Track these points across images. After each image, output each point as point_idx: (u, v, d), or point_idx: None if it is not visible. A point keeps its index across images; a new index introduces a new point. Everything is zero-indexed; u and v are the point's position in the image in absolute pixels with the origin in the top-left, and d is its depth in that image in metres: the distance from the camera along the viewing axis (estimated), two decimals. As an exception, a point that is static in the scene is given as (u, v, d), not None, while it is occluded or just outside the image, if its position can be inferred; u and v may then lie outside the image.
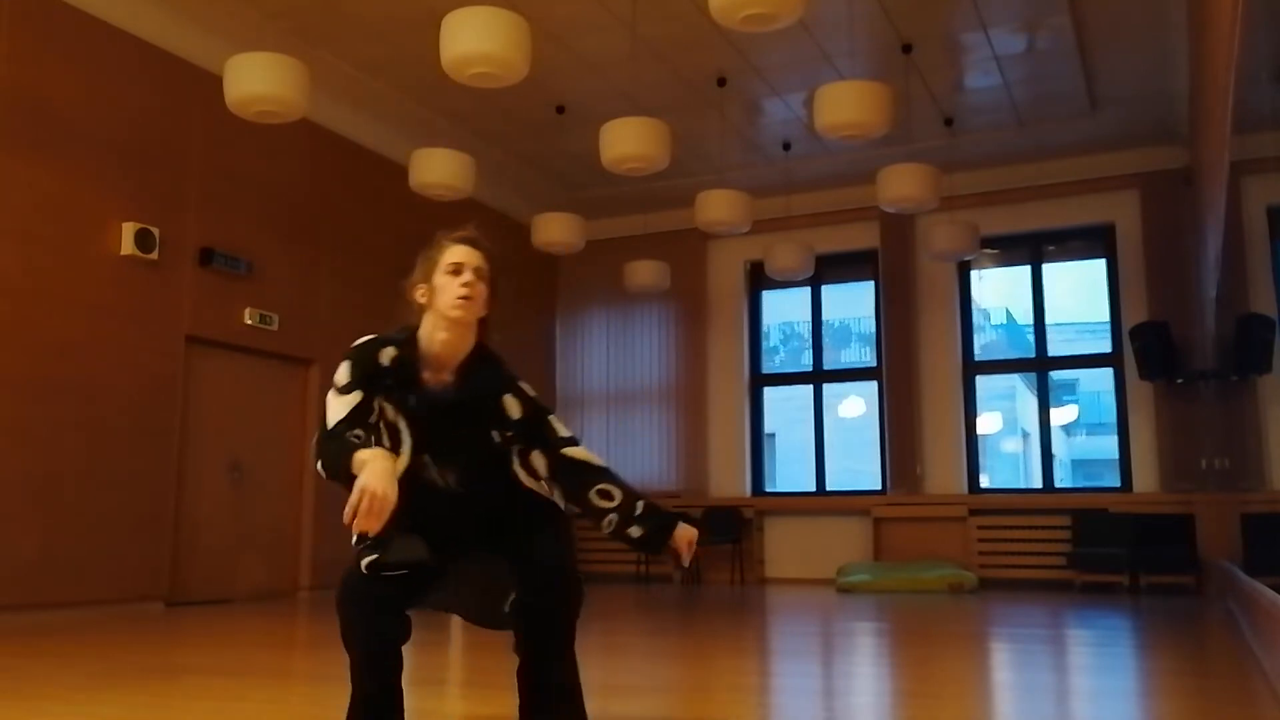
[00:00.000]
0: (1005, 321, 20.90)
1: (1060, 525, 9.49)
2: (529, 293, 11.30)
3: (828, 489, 10.93)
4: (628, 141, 7.02)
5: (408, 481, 2.22)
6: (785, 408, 13.58)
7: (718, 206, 8.55)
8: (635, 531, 2.44)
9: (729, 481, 11.00)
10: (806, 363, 12.60)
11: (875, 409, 10.91)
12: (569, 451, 2.43)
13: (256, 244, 7.93)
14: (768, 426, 11.84)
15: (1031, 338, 10.99)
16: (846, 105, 6.62)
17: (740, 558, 10.54)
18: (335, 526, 9.17)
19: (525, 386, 2.44)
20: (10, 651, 4.78)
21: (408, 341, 2.37)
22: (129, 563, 6.78)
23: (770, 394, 11.61)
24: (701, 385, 11.25)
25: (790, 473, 14.54)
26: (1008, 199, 10.14)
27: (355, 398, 2.27)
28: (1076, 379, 19.52)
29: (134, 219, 6.98)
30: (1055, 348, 11.37)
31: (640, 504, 2.45)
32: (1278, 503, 8.40)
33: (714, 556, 10.68)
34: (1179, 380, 9.18)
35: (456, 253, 2.37)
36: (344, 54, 8.09)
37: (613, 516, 2.42)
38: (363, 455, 2.14)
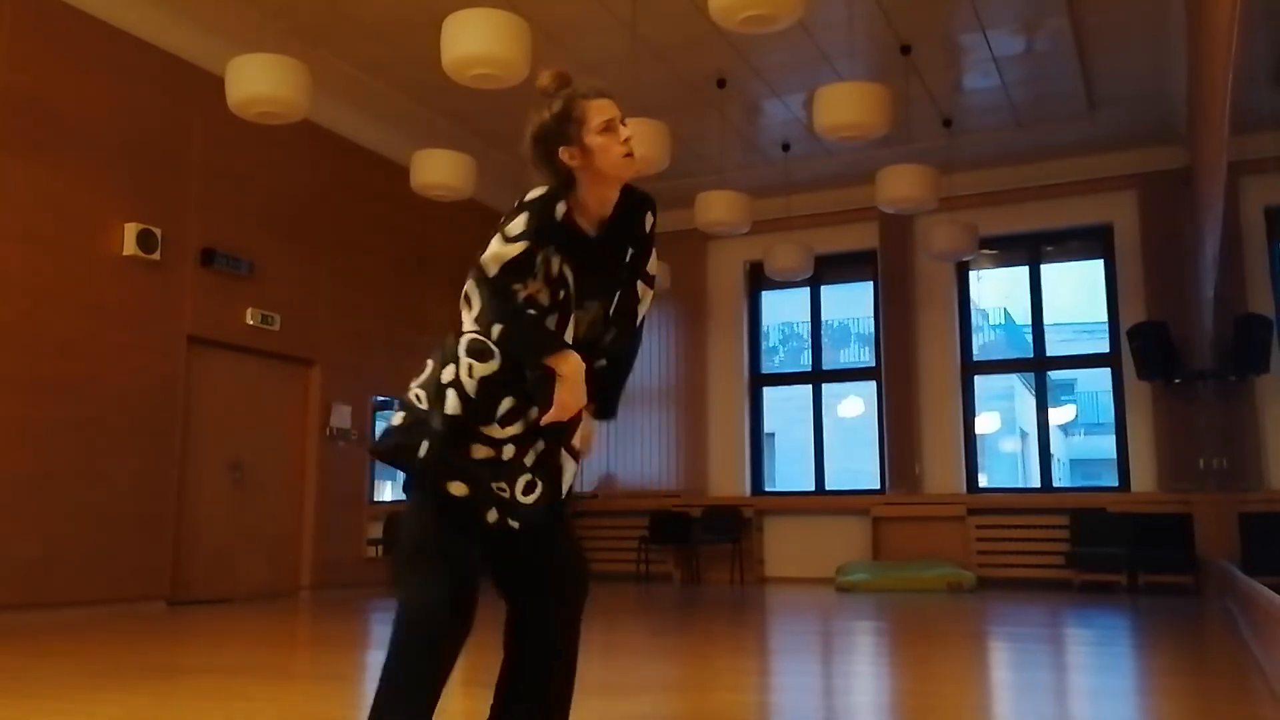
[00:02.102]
0: (1004, 321, 20.93)
1: (1059, 525, 9.50)
2: (529, 293, 11.29)
3: (827, 489, 10.95)
4: (628, 142, 7.02)
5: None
6: (785, 408, 13.60)
7: (718, 207, 8.57)
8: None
9: (728, 481, 11.02)
10: (806, 363, 12.62)
11: (874, 409, 10.93)
12: (642, 288, 2.30)
13: (258, 244, 7.95)
14: (767, 426, 11.86)
15: (1030, 338, 11.01)
16: (846, 106, 6.64)
17: (740, 557, 10.55)
18: (336, 526, 9.19)
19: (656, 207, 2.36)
20: (11, 651, 4.80)
21: (571, 198, 2.20)
22: (130, 562, 6.79)
23: (770, 394, 11.62)
24: (701, 385, 11.26)
25: (790, 472, 14.55)
26: (1006, 199, 10.16)
27: (519, 248, 2.10)
28: (1075, 379, 19.55)
29: (136, 219, 7.00)
30: (1054, 348, 11.38)
31: (605, 361, 2.27)
32: (1276, 502, 8.42)
33: (714, 556, 10.69)
34: (1177, 380, 9.20)
35: (603, 108, 2.20)
36: (345, 55, 8.10)
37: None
38: (565, 362, 2.07)
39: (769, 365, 13.37)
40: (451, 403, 2.08)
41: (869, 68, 8.11)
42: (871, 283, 10.97)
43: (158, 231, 7.11)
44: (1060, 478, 18.55)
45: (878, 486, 10.55)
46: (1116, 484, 9.82)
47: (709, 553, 10.70)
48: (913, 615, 6.99)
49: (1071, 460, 21.20)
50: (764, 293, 11.58)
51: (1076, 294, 17.06)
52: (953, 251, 9.09)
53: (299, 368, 8.44)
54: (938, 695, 3.73)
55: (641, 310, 2.29)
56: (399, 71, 8.29)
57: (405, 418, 2.12)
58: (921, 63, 8.16)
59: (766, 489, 11.39)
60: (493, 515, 2.09)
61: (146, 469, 6.97)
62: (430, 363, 2.16)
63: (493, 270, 2.10)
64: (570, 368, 2.07)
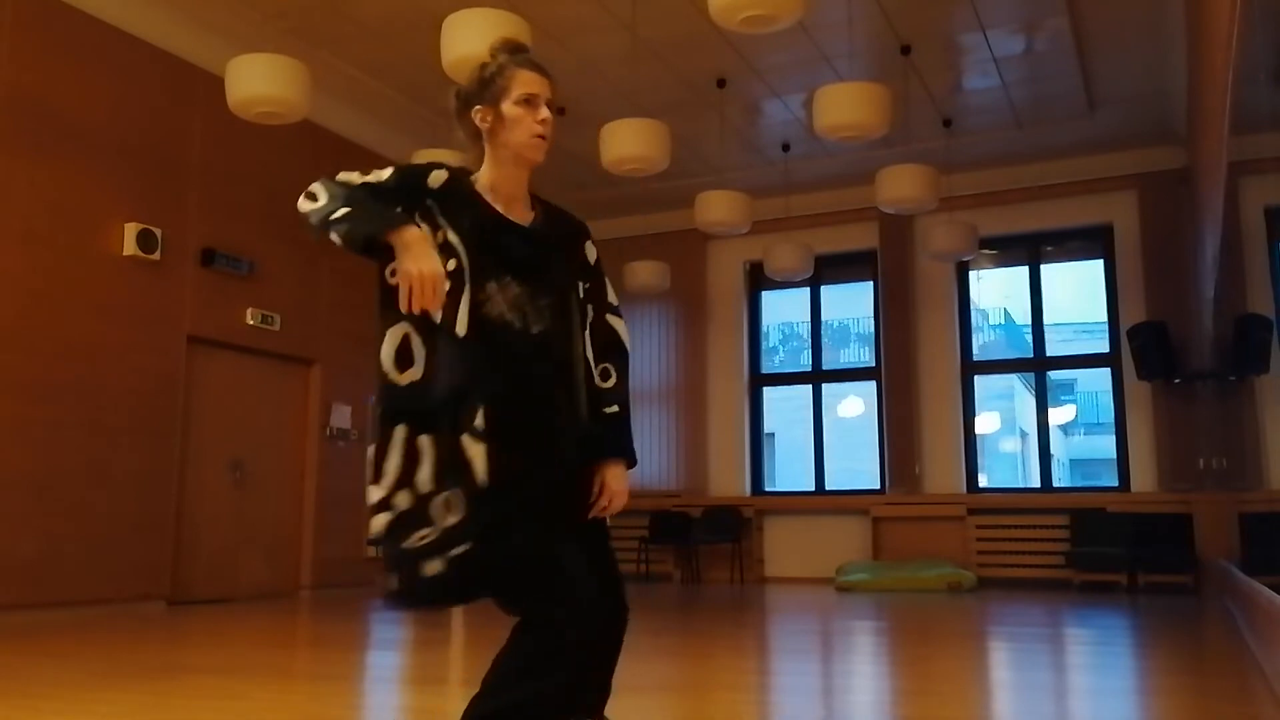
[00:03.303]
0: (1004, 321, 20.93)
1: (1058, 525, 9.51)
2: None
3: (827, 488, 10.95)
4: (628, 142, 7.04)
5: (474, 324, 1.96)
6: (784, 408, 13.61)
7: (717, 207, 8.58)
8: (594, 426, 2.09)
9: (728, 481, 11.02)
10: (806, 363, 12.63)
11: (874, 409, 10.93)
12: (613, 319, 2.19)
13: (258, 244, 7.95)
14: (767, 426, 11.86)
15: (1030, 338, 11.01)
16: (846, 106, 6.64)
17: (740, 557, 10.56)
18: (336, 526, 9.21)
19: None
20: (11, 650, 4.80)
21: (461, 169, 2.10)
22: (131, 562, 6.79)
23: (770, 394, 11.63)
24: (701, 385, 11.27)
25: (789, 472, 14.56)
26: (1006, 200, 10.16)
27: (378, 180, 1.98)
28: (1075, 379, 19.56)
29: (136, 219, 7.00)
30: (1053, 348, 11.39)
31: (618, 407, 2.14)
32: (1275, 502, 8.42)
33: (714, 556, 10.70)
34: (1177, 380, 9.20)
35: (531, 80, 2.06)
36: (345, 55, 8.11)
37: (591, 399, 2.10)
38: (409, 232, 1.86)
39: (769, 365, 13.37)
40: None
41: (869, 68, 8.12)
42: (871, 283, 10.98)
43: (158, 231, 7.12)
44: (1060, 478, 18.55)
45: (878, 486, 10.55)
46: (1116, 484, 9.83)
47: (709, 553, 10.70)
48: (913, 615, 7.00)
49: (1071, 460, 21.20)
50: (764, 293, 11.58)
51: (1076, 294, 17.06)
52: (953, 251, 9.10)
53: (299, 368, 8.44)
54: (938, 695, 3.73)
55: (626, 341, 2.21)
56: (399, 71, 8.30)
57: None
58: (921, 63, 8.16)
59: (766, 489, 11.39)
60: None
61: (146, 469, 6.97)
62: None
63: (348, 180, 1.97)
64: (410, 235, 1.86)
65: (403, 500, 1.91)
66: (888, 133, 7.00)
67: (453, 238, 2.00)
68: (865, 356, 17.34)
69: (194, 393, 7.47)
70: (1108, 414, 10.99)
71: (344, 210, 1.90)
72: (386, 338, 1.96)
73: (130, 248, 6.92)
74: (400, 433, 1.93)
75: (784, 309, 14.89)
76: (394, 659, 5.14)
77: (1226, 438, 8.96)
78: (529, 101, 2.05)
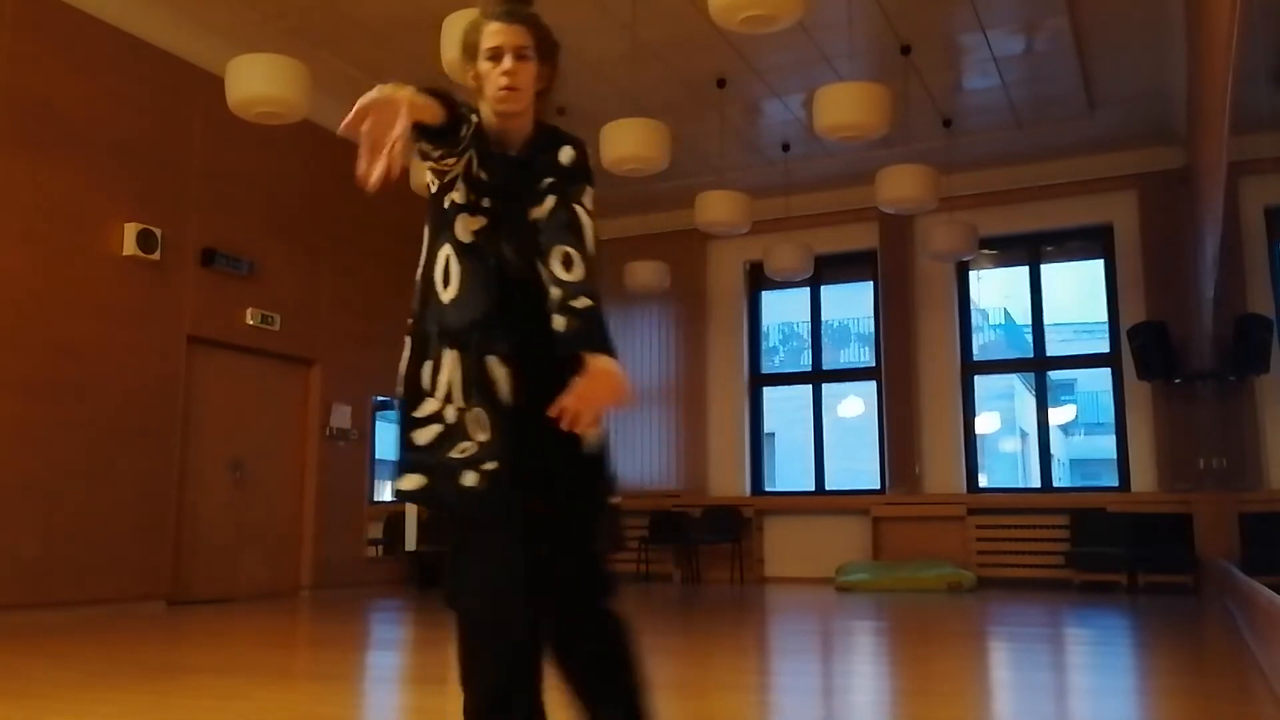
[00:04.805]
0: (1004, 321, 20.94)
1: (1058, 525, 9.51)
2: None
3: (827, 488, 10.95)
4: (628, 142, 7.04)
5: (477, 261, 2.03)
6: (785, 408, 13.61)
7: (717, 207, 8.58)
8: (559, 322, 1.92)
9: (728, 481, 11.02)
10: (806, 363, 12.62)
11: (874, 409, 10.93)
12: (578, 208, 2.06)
13: (258, 244, 7.95)
14: (767, 426, 11.86)
15: (1030, 338, 11.01)
16: (845, 106, 6.64)
17: (740, 557, 10.56)
18: (336, 526, 9.22)
19: (589, 153, 2.17)
20: (11, 650, 4.80)
21: (477, 112, 2.09)
22: (131, 562, 6.79)
23: (770, 394, 11.63)
24: (701, 385, 11.26)
25: (789, 472, 14.56)
26: (1006, 199, 10.16)
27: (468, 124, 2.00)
28: (1075, 379, 19.56)
29: (136, 219, 7.00)
30: (1053, 348, 11.39)
31: (591, 301, 1.94)
32: (1275, 502, 8.43)
33: (714, 556, 10.69)
34: (1177, 380, 9.20)
35: (493, 34, 2.07)
36: (344, 55, 8.10)
37: (555, 292, 1.94)
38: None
39: (769, 365, 13.38)
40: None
41: (869, 68, 8.12)
42: (871, 283, 10.97)
43: (158, 231, 7.12)
44: (1060, 478, 18.55)
45: (878, 486, 10.55)
46: (1116, 484, 9.82)
47: (709, 553, 10.70)
48: (913, 615, 7.00)
49: (1071, 460, 21.21)
50: (764, 293, 11.58)
51: (1076, 294, 17.07)
52: (952, 251, 9.09)
53: (299, 368, 8.44)
54: (938, 695, 3.73)
55: (588, 233, 2.03)
56: (399, 72, 8.20)
57: None
58: (921, 63, 8.16)
59: (766, 489, 11.39)
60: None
61: (146, 469, 6.97)
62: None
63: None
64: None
65: (449, 413, 1.98)
66: (888, 133, 7.00)
67: (487, 178, 2.06)
68: (865, 356, 17.34)
69: (194, 393, 7.47)
70: (1108, 414, 10.99)
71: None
72: (436, 260, 2.06)
73: (130, 248, 6.92)
74: (449, 350, 2.00)
75: (784, 309, 14.89)
76: (394, 659, 5.14)
77: (1226, 438, 8.96)
78: (494, 54, 2.06)
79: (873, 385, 11.08)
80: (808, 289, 11.21)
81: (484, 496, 1.93)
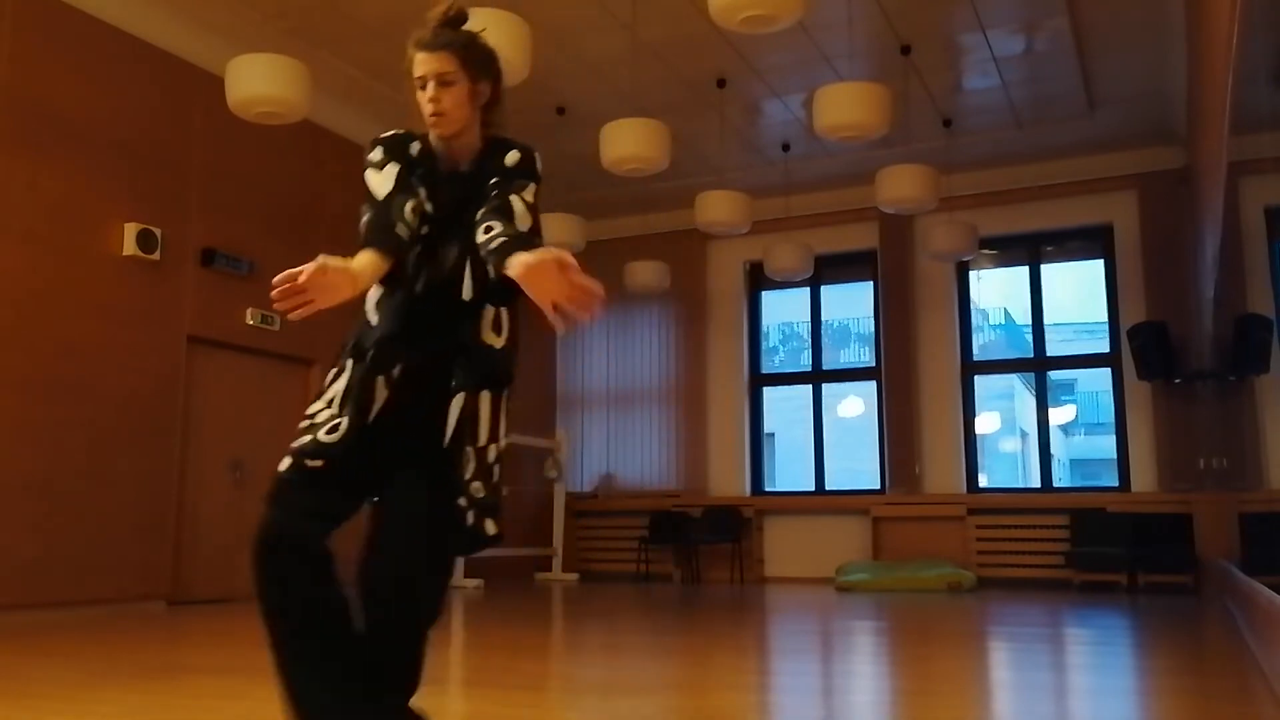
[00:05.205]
0: (1004, 322, 20.94)
1: (1058, 525, 9.51)
2: (529, 293, 11.31)
3: (827, 488, 10.95)
4: (628, 143, 7.04)
5: (397, 287, 2.13)
6: (785, 408, 13.61)
7: (717, 207, 8.58)
8: (485, 249, 1.97)
9: (729, 481, 11.02)
10: (806, 363, 12.62)
11: (874, 409, 10.94)
12: (515, 198, 2.09)
13: (258, 244, 7.95)
14: (767, 426, 11.87)
15: (1030, 338, 11.01)
16: (845, 106, 6.64)
17: (740, 557, 10.56)
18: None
19: (539, 164, 2.20)
20: (11, 650, 4.80)
21: (425, 138, 2.20)
22: (131, 562, 6.79)
23: (770, 394, 11.63)
24: (701, 385, 11.27)
25: (789, 472, 14.56)
26: (1006, 200, 10.17)
27: (394, 169, 2.13)
28: (1075, 379, 19.57)
29: (136, 219, 7.00)
30: (1053, 348, 11.39)
31: (507, 236, 1.96)
32: (1276, 502, 8.43)
33: (714, 556, 10.70)
34: (1177, 380, 9.21)
35: (418, 63, 2.15)
36: (344, 55, 8.10)
37: (480, 239, 1.99)
38: (361, 259, 1.98)
39: (769, 365, 13.38)
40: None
41: (869, 68, 8.12)
42: (871, 283, 10.98)
43: (158, 231, 7.12)
44: (1060, 478, 18.56)
45: (878, 486, 10.55)
46: (1116, 484, 9.83)
47: (709, 553, 10.70)
48: (913, 615, 7.00)
49: (1071, 460, 21.21)
50: (764, 293, 11.59)
51: (1076, 294, 17.08)
52: (952, 252, 9.10)
53: (299, 368, 8.44)
54: (938, 695, 3.73)
55: (519, 220, 2.06)
56: (399, 72, 8.26)
57: None
58: (921, 63, 8.16)
59: (766, 489, 11.39)
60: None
61: (146, 469, 6.97)
62: None
63: (379, 195, 2.13)
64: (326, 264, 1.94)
65: (320, 413, 2.15)
66: (888, 133, 7.00)
67: (429, 207, 2.13)
68: (865, 356, 17.35)
69: (194, 393, 7.47)
70: (1108, 414, 11.00)
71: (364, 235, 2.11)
72: (370, 290, 2.15)
73: (130, 248, 6.92)
74: (341, 360, 2.18)
75: (784, 309, 14.90)
76: (394, 659, 5.12)
77: (1226, 438, 8.97)
78: (421, 83, 2.13)
79: (873, 385, 11.09)
80: (808, 289, 11.21)
81: (291, 482, 2.10)
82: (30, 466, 6.24)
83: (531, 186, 2.15)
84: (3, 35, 6.32)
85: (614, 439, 11.51)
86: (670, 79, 8.40)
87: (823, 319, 11.52)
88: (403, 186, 2.11)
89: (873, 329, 11.53)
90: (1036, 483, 10.68)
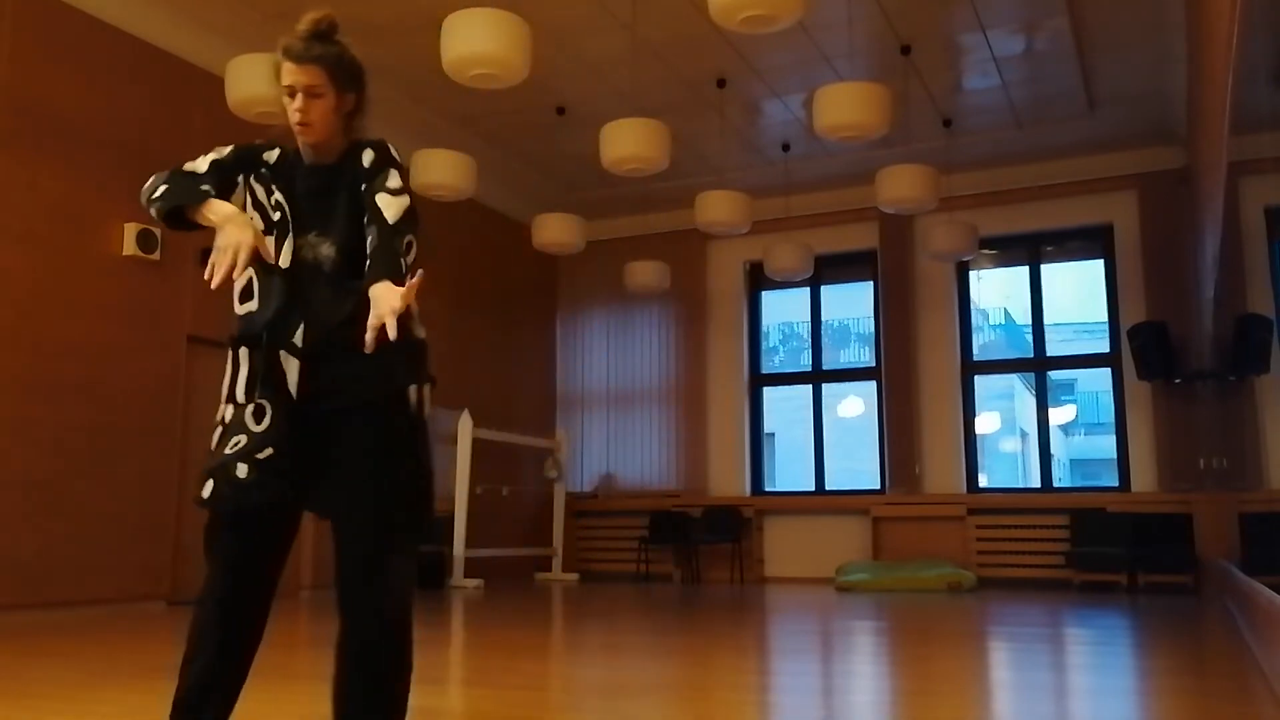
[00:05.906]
0: (1004, 321, 20.95)
1: (1058, 525, 9.51)
2: (529, 293, 11.32)
3: (827, 488, 10.95)
4: (628, 142, 7.04)
5: (295, 262, 2.15)
6: (784, 408, 13.61)
7: (717, 207, 8.58)
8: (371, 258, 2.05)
9: (728, 481, 11.02)
10: (806, 363, 12.63)
11: (874, 409, 10.94)
12: (381, 197, 2.11)
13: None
14: (767, 426, 11.87)
15: (1030, 338, 11.01)
16: (845, 106, 6.65)
17: (740, 557, 10.56)
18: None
19: (393, 152, 2.22)
20: (11, 651, 4.80)
21: (296, 150, 2.25)
22: (131, 562, 6.79)
23: (770, 394, 11.63)
24: (701, 385, 11.27)
25: (789, 472, 14.56)
26: (1006, 199, 10.17)
27: (219, 156, 2.22)
28: (1075, 379, 19.57)
29: (136, 219, 7.00)
30: (1054, 348, 11.39)
31: (395, 243, 2.05)
32: (1276, 502, 8.43)
33: (714, 556, 10.70)
34: (1177, 380, 9.21)
35: (286, 74, 2.18)
36: (344, 55, 8.09)
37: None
38: (222, 208, 2.06)
39: (769, 365, 13.38)
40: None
41: (869, 68, 8.12)
42: (871, 283, 10.98)
43: (158, 231, 7.11)
44: (1060, 478, 18.56)
45: (878, 486, 10.55)
46: (1116, 484, 9.83)
47: (709, 553, 10.70)
48: (912, 615, 7.00)
49: (1071, 460, 21.22)
50: (764, 293, 11.59)
51: (1076, 294, 17.08)
52: (952, 251, 9.10)
53: (299, 368, 8.43)
54: (938, 695, 3.73)
55: (388, 214, 2.09)
56: (399, 72, 8.29)
57: None
58: (921, 63, 8.16)
59: (766, 489, 11.40)
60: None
61: (146, 469, 6.97)
62: None
63: (178, 167, 2.19)
64: (221, 212, 2.05)
65: (228, 413, 2.15)
66: (888, 133, 7.00)
67: (279, 197, 2.17)
68: (865, 356, 17.35)
69: (194, 393, 7.46)
70: (1108, 414, 11.00)
71: (162, 189, 2.15)
72: (237, 282, 2.17)
73: (130, 248, 6.92)
74: (234, 355, 2.20)
75: (784, 309, 14.90)
76: (394, 659, 5.12)
77: (1226, 438, 8.97)
78: (289, 92, 2.17)
79: (873, 385, 11.09)
80: (808, 289, 11.21)
81: (254, 486, 2.05)
82: (31, 466, 6.24)
83: (392, 172, 2.18)
84: (3, 35, 6.32)
85: (614, 439, 11.51)
86: (670, 79, 8.40)
87: (823, 319, 11.52)
88: (214, 171, 2.20)
89: (873, 329, 11.53)
90: (1036, 483, 10.68)
